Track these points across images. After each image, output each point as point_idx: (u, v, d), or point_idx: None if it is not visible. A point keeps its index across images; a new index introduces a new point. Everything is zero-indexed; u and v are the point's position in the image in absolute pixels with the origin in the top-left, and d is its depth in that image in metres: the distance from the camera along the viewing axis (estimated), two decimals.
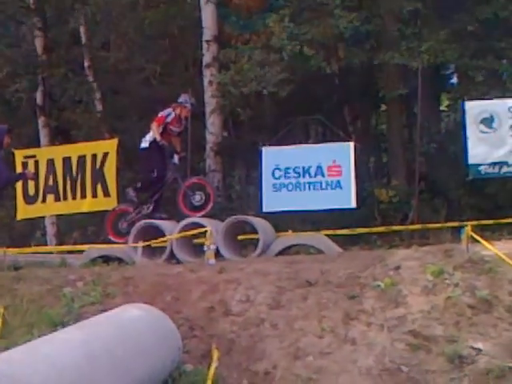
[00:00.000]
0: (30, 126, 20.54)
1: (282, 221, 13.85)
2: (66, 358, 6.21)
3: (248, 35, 17.66)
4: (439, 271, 8.89)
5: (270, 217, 12.95)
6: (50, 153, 15.17)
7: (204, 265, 10.73)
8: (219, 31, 17.51)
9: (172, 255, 11.97)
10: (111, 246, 12.93)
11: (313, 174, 13.41)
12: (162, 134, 13.08)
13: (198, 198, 12.90)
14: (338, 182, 13.27)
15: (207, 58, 17.28)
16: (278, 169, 13.58)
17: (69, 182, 14.80)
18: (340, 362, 7.95)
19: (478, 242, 9.48)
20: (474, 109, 13.30)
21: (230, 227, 12.08)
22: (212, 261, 10.93)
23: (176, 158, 13.24)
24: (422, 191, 15.33)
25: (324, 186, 13.35)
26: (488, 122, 13.06)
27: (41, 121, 19.74)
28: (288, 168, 13.55)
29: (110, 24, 20.55)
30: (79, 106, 20.90)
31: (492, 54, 15.63)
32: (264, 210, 13.45)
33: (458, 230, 10.71)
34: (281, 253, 11.84)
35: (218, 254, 11.37)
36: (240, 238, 12.75)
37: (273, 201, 13.47)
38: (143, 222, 12.57)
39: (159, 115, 13.32)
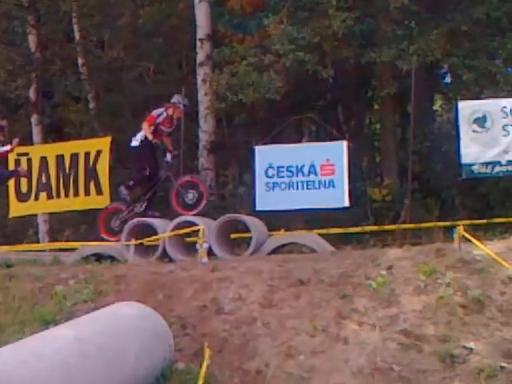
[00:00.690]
0: (23, 124, 20.49)
1: (275, 219, 13.87)
2: (58, 355, 6.21)
3: (242, 35, 17.66)
4: (431, 271, 8.90)
5: (263, 215, 12.96)
6: (43, 150, 15.16)
7: (196, 263, 10.72)
8: (213, 30, 17.51)
9: (164, 253, 11.95)
10: (104, 244, 12.90)
11: (306, 172, 13.42)
12: (153, 134, 13.07)
13: (190, 196, 12.89)
14: (331, 180, 13.28)
15: (201, 57, 17.29)
16: (271, 167, 13.59)
17: (62, 180, 14.78)
18: (332, 361, 7.95)
19: (470, 241, 9.49)
20: (467, 108, 13.32)
21: (223, 226, 12.08)
22: (205, 259, 10.92)
23: (169, 157, 13.24)
24: (414, 190, 15.35)
25: (317, 184, 13.36)
26: (481, 121, 13.08)
27: (34, 118, 19.70)
28: (281, 167, 13.55)
29: (105, 22, 20.53)
30: (73, 104, 20.87)
31: (485, 54, 15.66)
32: (257, 208, 13.46)
33: (450, 230, 10.71)
34: (273, 251, 11.83)
35: (210, 252, 11.36)
36: (233, 236, 12.75)
37: (266, 200, 13.48)
38: (136, 220, 12.55)
39: (151, 115, 13.35)
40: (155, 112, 13.37)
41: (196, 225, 11.65)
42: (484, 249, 9.21)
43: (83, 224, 18.62)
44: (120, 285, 9.88)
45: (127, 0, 20.87)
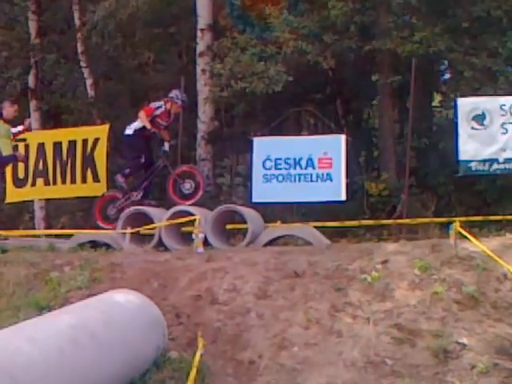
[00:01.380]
0: (21, 110, 20.44)
1: (271, 211, 13.87)
2: (51, 341, 6.22)
3: (243, 27, 17.64)
4: (426, 266, 8.92)
5: (259, 207, 12.95)
6: (40, 137, 15.12)
7: (192, 253, 10.72)
8: (214, 20, 17.48)
9: (160, 242, 11.95)
10: (99, 232, 12.90)
11: (303, 165, 13.40)
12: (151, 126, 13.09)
13: (187, 186, 12.91)
14: (329, 174, 13.27)
15: (201, 47, 17.24)
16: (268, 159, 13.56)
17: (59, 167, 14.76)
18: (325, 353, 7.97)
19: (466, 238, 9.51)
20: (466, 105, 13.30)
21: (219, 216, 12.08)
22: (200, 249, 10.92)
23: (166, 146, 13.24)
24: (411, 186, 15.34)
25: (314, 178, 13.34)
26: (479, 118, 13.07)
27: (32, 104, 19.67)
28: (279, 159, 13.53)
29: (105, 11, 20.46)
30: (71, 91, 20.84)
31: (485, 52, 15.65)
32: (254, 200, 13.44)
33: (446, 226, 10.73)
34: (269, 243, 11.84)
35: (206, 242, 11.36)
36: (229, 227, 12.76)
37: (263, 191, 13.46)
38: (132, 208, 12.55)
39: (149, 106, 13.38)
40: (154, 104, 13.39)
41: (192, 214, 11.65)
42: (480, 245, 9.23)
43: (79, 211, 18.64)
44: (115, 273, 9.89)
45: None
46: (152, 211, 12.34)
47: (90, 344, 6.58)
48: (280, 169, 13.55)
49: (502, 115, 13.03)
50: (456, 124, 13.36)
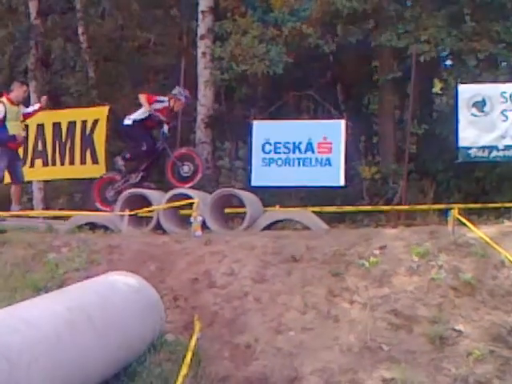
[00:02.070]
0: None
1: (270, 195, 13.87)
2: (47, 322, 6.22)
3: (244, 8, 17.58)
4: (424, 252, 8.92)
5: (258, 191, 12.94)
6: (39, 118, 15.04)
7: (190, 236, 10.71)
8: (215, 2, 17.42)
9: (158, 225, 11.94)
10: (98, 214, 12.89)
11: (303, 150, 13.39)
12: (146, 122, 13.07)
13: (186, 168, 12.86)
14: (328, 159, 13.26)
15: (202, 29, 17.18)
16: (268, 143, 13.55)
17: (58, 148, 14.75)
18: (321, 338, 7.98)
19: (464, 225, 9.51)
20: (467, 92, 13.27)
21: (218, 200, 12.06)
22: (198, 232, 10.90)
23: (165, 128, 13.17)
24: (410, 172, 15.34)
25: (314, 162, 13.33)
26: (480, 105, 13.04)
27: (32, 85, 19.58)
28: (278, 143, 13.52)
29: None
30: (71, 72, 20.80)
31: (487, 38, 15.62)
32: (252, 184, 13.44)
33: (444, 212, 10.71)
34: (267, 227, 11.83)
35: (204, 225, 11.35)
36: (227, 211, 12.74)
37: (262, 175, 13.45)
38: (131, 190, 12.53)
39: (153, 95, 13.26)
40: (158, 97, 13.25)
41: (191, 198, 11.63)
42: (478, 232, 9.22)
43: (78, 193, 18.63)
44: (113, 255, 9.89)
45: None
46: (150, 194, 12.31)
47: (87, 326, 6.58)
48: (279, 153, 13.54)
49: (503, 102, 13.01)
50: (456, 110, 13.33)
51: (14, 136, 13.09)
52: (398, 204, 14.61)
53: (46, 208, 18.06)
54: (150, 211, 12.06)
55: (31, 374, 5.71)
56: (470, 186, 16.09)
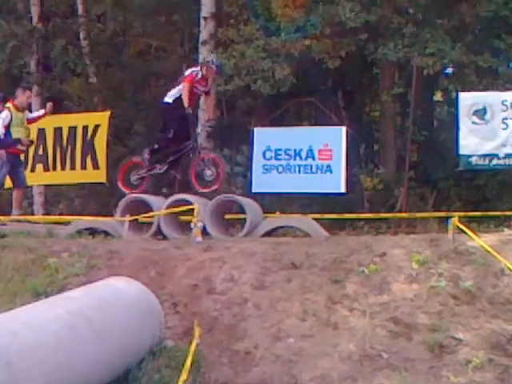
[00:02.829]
0: None
1: (270, 202, 13.88)
2: (47, 326, 6.22)
3: (246, 16, 17.61)
4: (424, 260, 8.91)
5: (259, 197, 12.95)
6: (41, 122, 15.07)
7: (190, 242, 10.71)
8: (217, 8, 17.43)
9: (159, 231, 11.94)
10: (98, 219, 12.88)
11: (304, 156, 13.43)
12: (190, 95, 12.70)
13: (209, 173, 12.66)
14: (329, 166, 13.29)
15: (204, 35, 17.20)
16: (269, 150, 13.59)
17: (59, 153, 14.77)
18: (321, 345, 7.97)
19: (464, 232, 9.51)
20: (468, 100, 13.32)
21: (218, 206, 12.06)
22: (199, 238, 10.90)
23: (199, 127, 12.81)
24: (411, 179, 15.36)
25: (314, 169, 13.36)
26: (480, 113, 13.08)
27: (34, 90, 19.60)
28: (279, 149, 13.55)
29: None
30: (73, 77, 20.82)
31: (488, 50, 15.66)
32: (253, 190, 13.46)
33: (445, 220, 10.72)
34: (267, 234, 11.83)
35: (204, 232, 11.35)
36: (227, 217, 12.74)
37: (262, 182, 13.48)
38: (131, 196, 12.52)
39: (188, 73, 12.86)
40: (191, 70, 12.88)
41: (191, 203, 11.63)
42: (478, 241, 9.22)
43: (78, 198, 18.64)
44: (113, 260, 9.88)
45: None
46: (151, 199, 12.31)
47: (87, 331, 6.59)
48: (280, 159, 13.58)
49: (504, 110, 13.06)
50: (457, 118, 13.36)
51: (16, 141, 13.11)
52: (398, 211, 14.62)
53: (47, 213, 18.07)
54: (150, 217, 12.06)
55: (31, 377, 5.72)
56: (470, 193, 16.12)
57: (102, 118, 14.95)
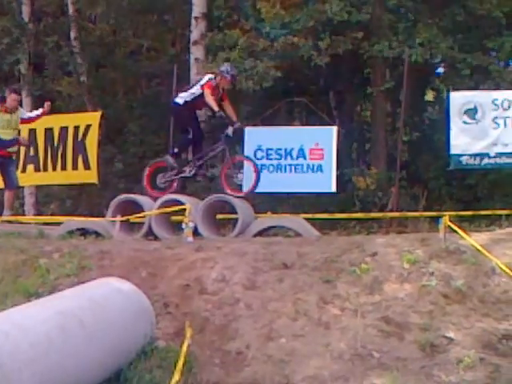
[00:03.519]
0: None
1: (262, 202, 13.87)
2: (39, 327, 6.21)
3: (237, 17, 17.62)
4: (415, 259, 8.92)
5: (249, 197, 12.93)
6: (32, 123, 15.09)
7: (181, 242, 10.70)
8: (208, 8, 17.43)
9: (150, 231, 11.93)
10: (89, 220, 12.88)
11: (295, 156, 13.43)
12: (197, 100, 12.69)
13: (240, 176, 12.58)
14: (320, 165, 13.29)
15: (195, 35, 17.18)
16: (260, 149, 13.58)
17: (50, 153, 14.73)
18: (312, 345, 7.97)
19: (455, 232, 9.52)
20: (459, 99, 13.34)
21: (210, 206, 12.06)
22: (190, 238, 10.90)
23: (230, 130, 12.75)
24: (402, 179, 15.37)
25: (305, 169, 13.37)
26: (471, 113, 13.10)
27: (24, 89, 19.57)
28: (270, 149, 13.55)
29: None
30: (64, 77, 20.79)
31: (481, 49, 15.70)
32: (244, 190, 13.43)
33: (436, 220, 10.74)
34: (259, 234, 11.84)
35: (196, 232, 11.34)
36: (219, 217, 12.74)
37: None
38: (122, 196, 12.50)
39: (205, 81, 12.74)
40: (208, 77, 12.79)
41: (182, 204, 11.62)
42: (469, 240, 9.24)
43: (69, 198, 18.61)
44: (104, 260, 9.86)
45: None
46: (142, 200, 12.30)
47: (78, 331, 6.58)
48: (271, 159, 13.58)
49: (494, 110, 13.08)
50: (448, 118, 13.38)
51: (13, 141, 13.10)
52: (389, 211, 14.63)
53: (38, 213, 18.04)
54: (141, 217, 12.05)
55: (23, 378, 5.71)
56: (461, 193, 16.15)
57: (93, 118, 14.93)
